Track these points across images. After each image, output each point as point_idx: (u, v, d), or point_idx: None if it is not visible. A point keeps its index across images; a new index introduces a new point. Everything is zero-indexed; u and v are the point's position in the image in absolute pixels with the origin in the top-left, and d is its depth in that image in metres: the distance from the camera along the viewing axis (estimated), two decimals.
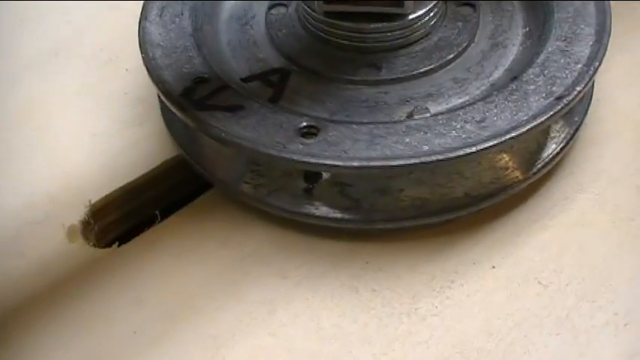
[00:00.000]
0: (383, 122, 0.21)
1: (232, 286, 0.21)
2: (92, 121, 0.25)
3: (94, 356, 0.20)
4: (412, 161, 0.19)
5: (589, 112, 0.25)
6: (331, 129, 0.21)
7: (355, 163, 0.20)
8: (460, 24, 0.24)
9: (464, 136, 0.20)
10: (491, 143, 0.20)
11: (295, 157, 0.20)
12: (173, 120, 0.24)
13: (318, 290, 0.21)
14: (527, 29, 0.24)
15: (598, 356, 0.20)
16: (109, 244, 0.23)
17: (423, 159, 0.19)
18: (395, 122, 0.21)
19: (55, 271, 0.22)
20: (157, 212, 0.23)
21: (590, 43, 0.22)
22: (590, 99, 0.24)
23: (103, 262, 0.22)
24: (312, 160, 0.20)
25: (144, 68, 0.26)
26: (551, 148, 0.23)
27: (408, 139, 0.20)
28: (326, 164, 0.20)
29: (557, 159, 0.23)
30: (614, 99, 0.26)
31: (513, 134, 0.20)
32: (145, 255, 0.22)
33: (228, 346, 0.20)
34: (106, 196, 0.23)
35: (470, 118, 0.21)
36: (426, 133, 0.20)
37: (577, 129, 0.23)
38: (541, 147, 0.23)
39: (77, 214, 0.23)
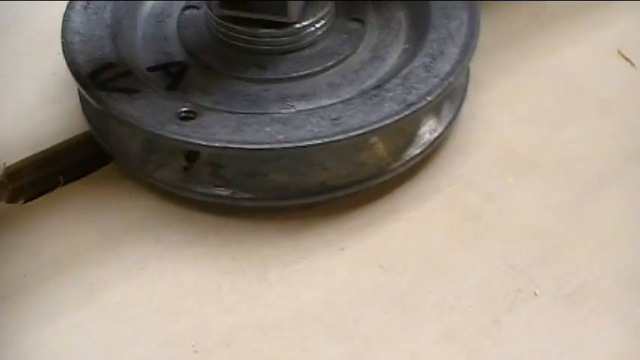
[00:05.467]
0: (253, 113, 0.26)
1: (114, 245, 0.27)
2: (19, 96, 0.31)
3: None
4: (265, 146, 0.25)
5: (462, 125, 0.30)
6: (206, 115, 0.26)
7: (217, 144, 0.25)
8: (345, 36, 0.30)
9: (316, 130, 0.25)
10: (336, 138, 0.25)
11: (168, 135, 0.25)
12: (85, 99, 0.29)
13: (185, 254, 0.26)
14: (407, 46, 0.30)
15: (420, 332, 0.25)
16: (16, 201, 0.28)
17: (274, 145, 0.25)
18: (261, 114, 0.26)
19: None
20: (61, 178, 0.28)
21: (453, 61, 0.28)
22: (457, 111, 0.29)
23: (7, 217, 0.28)
24: (182, 139, 0.25)
25: None
26: (412, 151, 0.28)
27: (268, 129, 0.25)
28: (192, 142, 0.25)
29: (415, 160, 0.28)
30: (488, 116, 0.31)
31: (360, 132, 0.25)
32: (44, 213, 0.28)
33: (100, 292, 0.25)
34: (21, 161, 0.29)
35: (327, 115, 0.26)
36: (285, 125, 0.26)
37: (438, 137, 0.28)
38: (401, 149, 0.28)
39: None
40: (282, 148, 0.25)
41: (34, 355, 0.24)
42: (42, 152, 0.29)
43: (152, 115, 0.26)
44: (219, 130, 0.25)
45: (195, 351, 0.24)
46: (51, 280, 0.26)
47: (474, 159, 0.29)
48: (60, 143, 0.29)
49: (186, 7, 0.31)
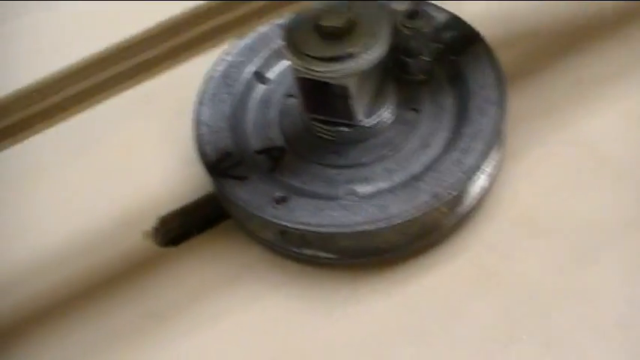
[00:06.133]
0: (326, 198, 0.37)
1: (230, 283, 0.39)
2: (164, 159, 0.43)
3: (148, 315, 0.39)
4: (331, 230, 0.36)
5: (494, 193, 0.40)
6: (293, 200, 0.37)
7: (299, 227, 0.36)
8: (402, 127, 0.40)
9: (369, 216, 0.36)
10: (380, 225, 0.36)
11: (266, 217, 0.37)
12: None
13: (280, 294, 0.38)
14: (450, 135, 0.39)
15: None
16: (167, 245, 0.41)
17: (340, 229, 0.36)
18: (332, 200, 0.37)
19: (131, 260, 0.41)
20: (194, 229, 0.41)
21: (477, 156, 0.37)
22: (491, 183, 0.39)
23: (160, 257, 0.41)
24: (276, 221, 0.37)
25: None
26: (447, 222, 0.38)
27: (335, 214, 0.37)
28: (282, 224, 0.37)
29: (448, 230, 0.38)
30: (516, 186, 0.40)
31: (398, 221, 0.36)
32: (185, 256, 0.40)
33: (220, 319, 0.38)
34: (169, 212, 0.42)
35: (377, 203, 0.37)
36: (347, 210, 0.37)
37: (467, 214, 0.38)
38: (437, 221, 0.38)
39: (150, 222, 0.42)
40: (342, 232, 0.36)
41: None
42: (183, 207, 0.42)
43: (256, 199, 0.37)
44: (302, 214, 0.37)
45: None
46: (188, 307, 0.39)
47: (499, 225, 0.39)
48: (197, 199, 0.42)
49: (287, 96, 0.42)
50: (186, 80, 0.44)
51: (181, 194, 0.42)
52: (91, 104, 0.39)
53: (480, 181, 0.39)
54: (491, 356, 0.36)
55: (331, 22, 0.37)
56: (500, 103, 0.39)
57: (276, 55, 0.43)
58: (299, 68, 0.37)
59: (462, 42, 0.41)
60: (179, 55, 0.39)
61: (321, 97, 0.38)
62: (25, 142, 0.45)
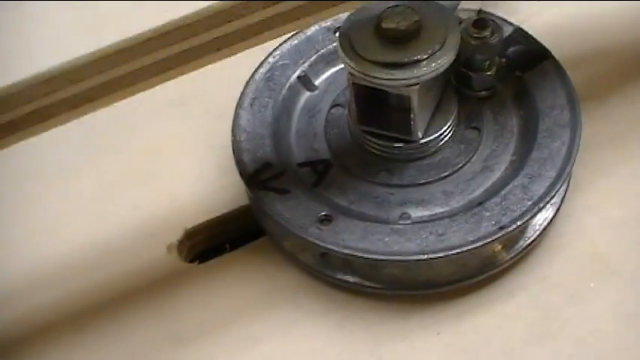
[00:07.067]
0: (377, 221, 0.34)
1: (263, 307, 0.36)
2: (196, 165, 0.40)
3: (170, 337, 0.35)
4: (380, 257, 0.33)
5: (556, 225, 0.36)
6: (340, 221, 0.34)
7: (345, 251, 0.33)
8: (462, 147, 0.36)
9: (424, 244, 0.33)
10: (439, 254, 0.32)
11: (309, 238, 0.33)
12: None
13: (317, 322, 0.35)
14: (514, 158, 0.36)
15: None
16: (192, 260, 0.38)
17: (389, 257, 0.33)
18: (382, 223, 0.34)
19: (153, 274, 0.37)
20: (227, 245, 0.38)
21: (547, 184, 0.34)
22: (554, 216, 0.36)
23: (186, 274, 0.37)
24: (319, 243, 0.33)
25: None
26: (504, 256, 0.35)
27: (387, 239, 0.33)
28: (327, 247, 0.33)
29: (505, 265, 0.35)
30: (581, 218, 0.37)
31: (457, 251, 0.32)
32: (214, 274, 0.37)
33: (252, 350, 0.34)
34: (197, 225, 0.38)
35: (434, 230, 0.33)
36: (400, 236, 0.33)
37: (530, 244, 0.35)
38: (495, 254, 0.35)
39: (175, 235, 0.38)
40: (393, 259, 0.33)
41: None
42: (213, 219, 0.38)
43: (298, 217, 0.34)
44: (348, 237, 0.33)
45: None
46: (213, 331, 0.35)
47: (561, 260, 0.36)
48: (229, 212, 0.38)
49: (334, 105, 0.38)
50: (229, 83, 0.41)
51: (213, 205, 0.39)
52: (121, 97, 0.36)
53: (544, 212, 0.36)
54: None
55: (394, 24, 0.33)
56: (574, 127, 0.35)
57: (324, 60, 0.40)
58: (355, 74, 0.34)
59: (530, 58, 0.38)
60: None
61: (377, 108, 0.35)
62: (44, 136, 0.43)
